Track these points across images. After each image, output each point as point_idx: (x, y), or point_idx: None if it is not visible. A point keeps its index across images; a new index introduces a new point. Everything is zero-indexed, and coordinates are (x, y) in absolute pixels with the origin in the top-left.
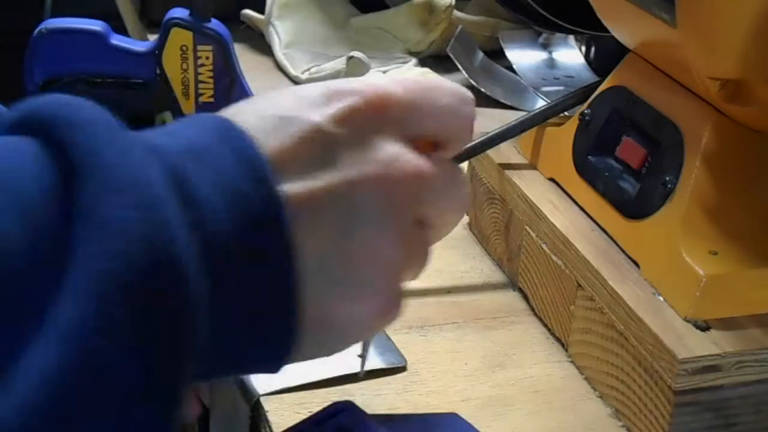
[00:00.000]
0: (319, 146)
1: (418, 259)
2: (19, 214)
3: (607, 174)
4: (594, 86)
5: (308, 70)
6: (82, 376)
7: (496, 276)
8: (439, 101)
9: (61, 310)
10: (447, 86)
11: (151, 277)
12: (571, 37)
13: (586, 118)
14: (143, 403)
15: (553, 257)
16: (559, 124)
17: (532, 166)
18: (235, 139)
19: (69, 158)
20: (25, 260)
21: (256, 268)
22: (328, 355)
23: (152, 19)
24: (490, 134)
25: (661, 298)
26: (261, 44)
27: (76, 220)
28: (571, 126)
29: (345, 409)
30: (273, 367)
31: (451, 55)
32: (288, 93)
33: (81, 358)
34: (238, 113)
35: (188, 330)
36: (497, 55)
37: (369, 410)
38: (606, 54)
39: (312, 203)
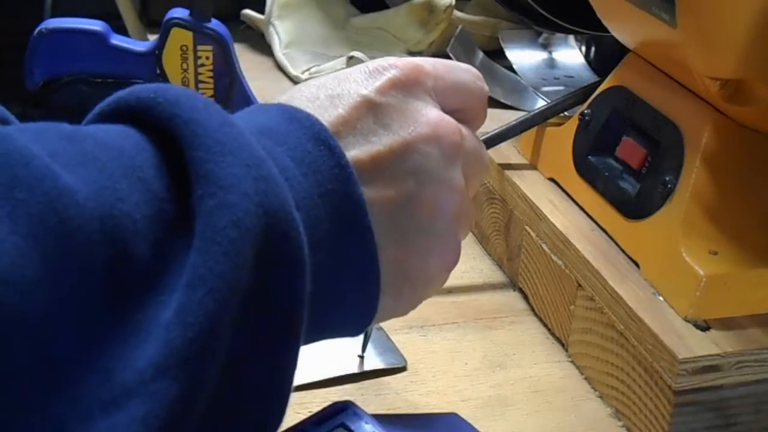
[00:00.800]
0: (371, 115)
1: (469, 212)
2: (140, 184)
3: (607, 174)
4: (594, 86)
5: (308, 70)
6: (213, 318)
7: (496, 276)
8: (459, 77)
9: (191, 260)
10: (462, 65)
11: (269, 224)
12: (571, 37)
13: (586, 118)
14: (273, 344)
15: (553, 257)
16: (559, 124)
17: (532, 166)
18: (301, 118)
19: (174, 131)
20: (152, 224)
21: (335, 230)
22: (404, 313)
23: (152, 19)
24: (490, 134)
25: (661, 298)
26: (261, 44)
27: (194, 183)
28: (571, 126)
29: (345, 409)
30: (356, 329)
31: (451, 55)
32: (330, 78)
33: (212, 300)
34: (291, 101)
35: (305, 276)
36: (497, 55)
37: (369, 410)
38: (606, 54)
39: (375, 165)
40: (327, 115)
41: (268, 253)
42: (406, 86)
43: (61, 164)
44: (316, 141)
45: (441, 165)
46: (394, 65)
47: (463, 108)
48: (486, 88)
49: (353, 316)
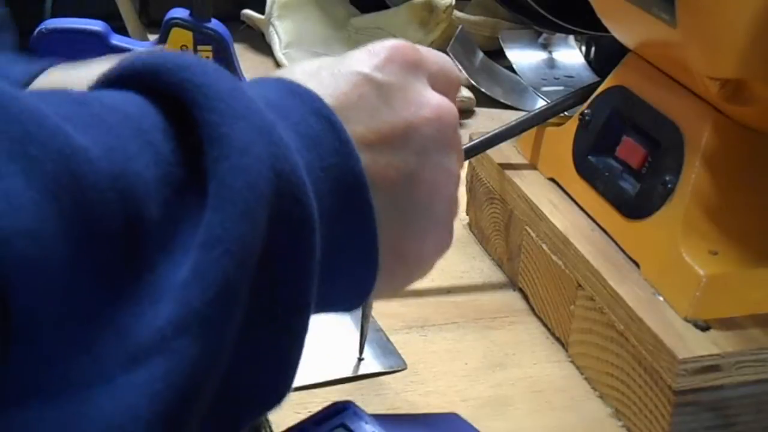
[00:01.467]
0: (373, 92)
1: (456, 199)
2: (149, 146)
3: (607, 174)
4: (594, 86)
5: None
6: (232, 276)
7: (496, 276)
8: (445, 62)
9: (206, 219)
10: (437, 52)
11: (281, 187)
12: (571, 37)
13: (586, 118)
14: (285, 308)
15: (553, 257)
16: (559, 124)
17: (532, 166)
18: (301, 93)
19: (184, 95)
20: (162, 186)
21: (337, 204)
22: (392, 294)
23: (152, 19)
24: (490, 134)
25: (661, 298)
26: (261, 44)
27: (206, 145)
28: (571, 126)
29: (345, 409)
30: (351, 304)
31: (451, 55)
32: (330, 58)
33: (230, 259)
34: (290, 75)
35: (315, 241)
36: (497, 55)
37: (369, 410)
38: (606, 54)
39: (377, 142)
40: (330, 91)
41: (281, 216)
42: (406, 66)
43: (71, 125)
44: (317, 116)
45: (440, 148)
46: (390, 45)
47: (445, 90)
48: (459, 75)
49: (350, 290)
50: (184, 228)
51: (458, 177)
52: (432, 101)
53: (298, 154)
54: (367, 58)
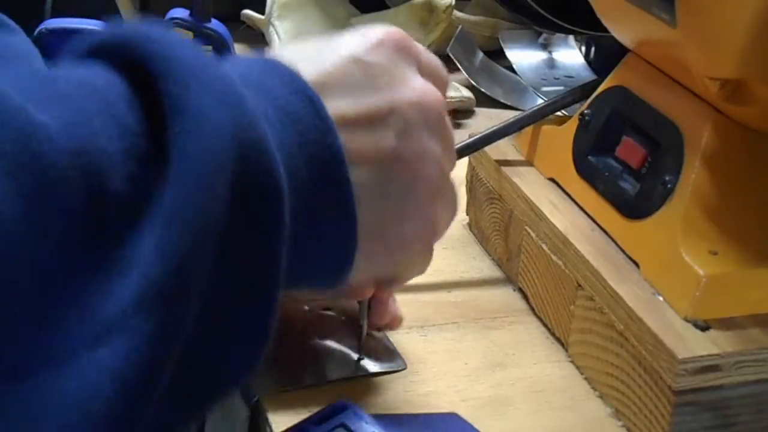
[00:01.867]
0: (359, 73)
1: (450, 196)
2: (113, 119)
3: (607, 174)
4: (592, 84)
5: None
6: (191, 251)
7: (496, 276)
8: (434, 60)
9: (168, 194)
10: (431, 53)
11: (245, 155)
12: (571, 37)
13: (586, 118)
14: (248, 278)
15: (553, 257)
16: (560, 124)
17: (529, 163)
18: (282, 70)
19: (150, 66)
20: (127, 159)
21: (314, 179)
22: (375, 276)
23: (152, 20)
24: (488, 131)
25: (661, 298)
26: (261, 44)
27: (169, 118)
28: (571, 126)
29: (345, 409)
30: (332, 280)
31: (451, 55)
32: (322, 39)
33: (190, 233)
34: (278, 56)
35: (283, 208)
36: (497, 55)
37: (369, 410)
38: (606, 54)
39: (359, 121)
40: (315, 70)
41: (245, 186)
42: (396, 50)
43: (33, 104)
44: (297, 93)
45: (424, 133)
46: (380, 30)
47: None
48: (448, 75)
49: (328, 266)
50: (150, 202)
51: (442, 166)
52: (417, 85)
53: (271, 128)
54: (358, 40)
